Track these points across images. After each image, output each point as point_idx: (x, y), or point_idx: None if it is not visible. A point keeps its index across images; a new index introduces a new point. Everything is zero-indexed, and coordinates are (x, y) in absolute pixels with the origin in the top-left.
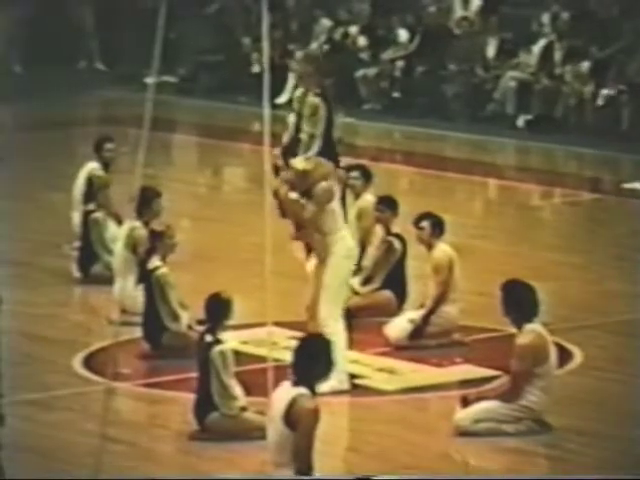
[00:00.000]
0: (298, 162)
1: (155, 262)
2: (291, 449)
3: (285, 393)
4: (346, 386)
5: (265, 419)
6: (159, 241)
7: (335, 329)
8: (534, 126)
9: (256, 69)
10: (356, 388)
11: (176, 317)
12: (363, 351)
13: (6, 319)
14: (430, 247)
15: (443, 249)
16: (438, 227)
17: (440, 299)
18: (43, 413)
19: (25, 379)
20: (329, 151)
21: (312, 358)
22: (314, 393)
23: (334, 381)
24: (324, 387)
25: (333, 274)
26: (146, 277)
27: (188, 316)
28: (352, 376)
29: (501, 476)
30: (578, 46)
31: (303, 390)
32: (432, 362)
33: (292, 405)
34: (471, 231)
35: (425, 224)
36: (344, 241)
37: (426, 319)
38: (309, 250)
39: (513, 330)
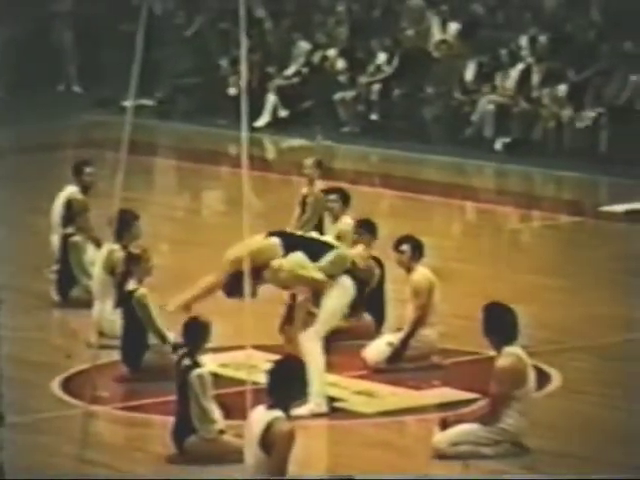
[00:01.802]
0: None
1: (132, 285)
2: (266, 473)
3: (260, 417)
4: (324, 409)
5: (243, 442)
6: (136, 264)
7: (313, 352)
8: (512, 149)
9: (234, 92)
10: (334, 411)
11: (162, 334)
12: (341, 374)
13: None
14: (410, 270)
15: (423, 272)
16: (418, 250)
17: (419, 322)
18: (22, 436)
19: (4, 402)
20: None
21: (286, 381)
22: (289, 416)
23: (312, 404)
24: (302, 410)
25: (327, 306)
26: (125, 299)
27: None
28: (330, 399)
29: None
30: (556, 69)
31: (278, 413)
32: (410, 385)
33: (268, 429)
34: (450, 254)
35: (405, 247)
36: (340, 280)
37: (405, 342)
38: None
39: (492, 353)
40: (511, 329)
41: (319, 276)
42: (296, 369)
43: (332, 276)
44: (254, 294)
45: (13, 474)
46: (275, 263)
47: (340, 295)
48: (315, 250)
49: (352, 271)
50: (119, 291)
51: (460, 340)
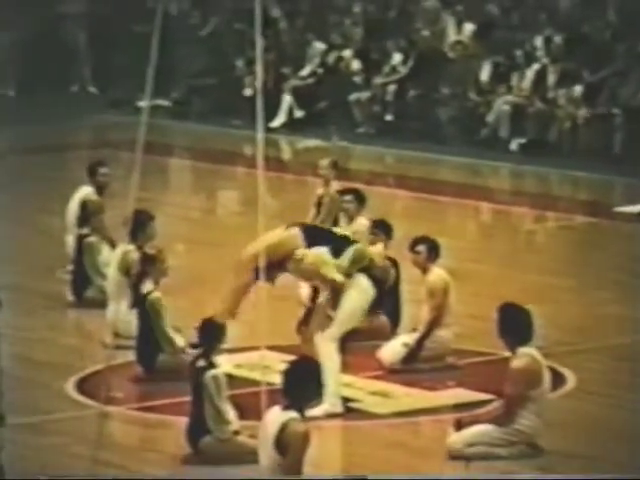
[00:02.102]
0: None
1: (148, 286)
2: (281, 473)
3: (275, 418)
4: (339, 409)
5: (258, 443)
6: (151, 265)
7: (329, 352)
8: (527, 150)
9: (249, 92)
10: (349, 412)
11: (171, 341)
12: (356, 374)
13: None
14: (425, 271)
15: (438, 273)
16: (434, 251)
17: (434, 323)
18: (36, 437)
19: (18, 403)
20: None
21: (301, 381)
22: (304, 417)
23: (327, 404)
24: (317, 411)
25: (345, 307)
26: (139, 301)
27: (183, 339)
28: (345, 399)
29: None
30: (571, 69)
31: (293, 414)
32: (425, 385)
33: (283, 430)
34: (465, 255)
35: (421, 248)
36: (358, 281)
37: (420, 343)
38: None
39: (507, 354)
40: (526, 330)
41: (338, 278)
42: (311, 370)
43: (350, 274)
44: (272, 281)
45: (26, 474)
46: (299, 253)
47: (359, 297)
48: (336, 245)
49: (370, 269)
50: (134, 292)
51: (475, 341)
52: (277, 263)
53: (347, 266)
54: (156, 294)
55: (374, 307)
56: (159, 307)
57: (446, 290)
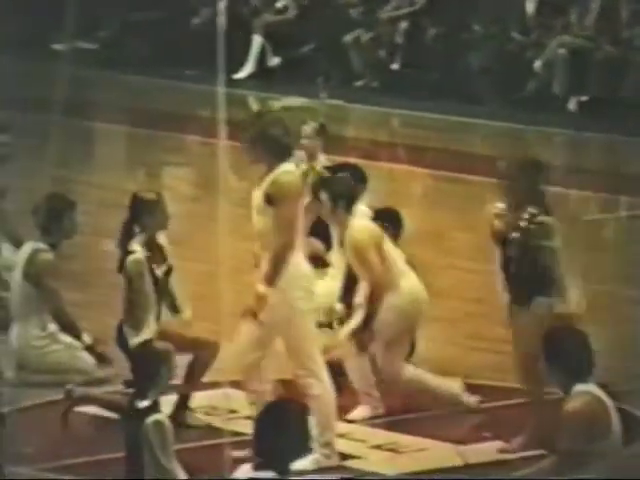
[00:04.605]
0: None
1: (136, 242)
2: None
3: None
4: (335, 462)
5: None
6: (147, 214)
7: (321, 390)
8: (592, 110)
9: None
10: (344, 470)
11: (147, 316)
12: (354, 421)
13: None
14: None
15: (360, 225)
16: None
17: (377, 298)
18: None
19: None
20: None
21: (281, 431)
22: (285, 478)
23: (319, 455)
24: (304, 463)
25: (289, 321)
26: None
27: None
28: (340, 456)
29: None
30: None
31: (270, 475)
32: (451, 437)
33: None
34: None
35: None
36: (296, 268)
37: (368, 322)
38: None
39: (559, 393)
40: (583, 360)
41: None
42: (294, 414)
43: None
44: None
45: None
46: None
47: (294, 294)
48: None
49: None
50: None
51: (515, 375)
52: None
53: None
54: (138, 255)
55: None
56: (140, 270)
57: (377, 245)
